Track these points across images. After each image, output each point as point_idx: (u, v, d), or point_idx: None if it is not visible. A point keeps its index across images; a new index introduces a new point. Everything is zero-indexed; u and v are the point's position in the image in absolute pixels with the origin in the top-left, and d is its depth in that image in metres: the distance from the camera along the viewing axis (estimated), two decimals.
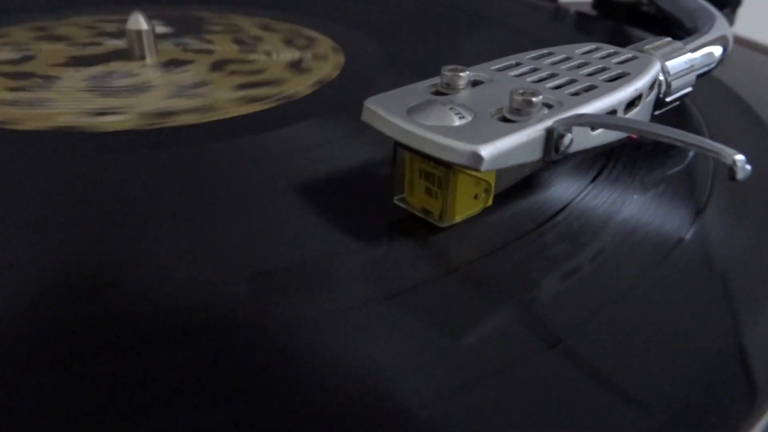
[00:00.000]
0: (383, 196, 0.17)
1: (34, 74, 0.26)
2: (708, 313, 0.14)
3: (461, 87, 0.17)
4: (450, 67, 0.17)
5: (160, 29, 0.31)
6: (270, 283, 0.14)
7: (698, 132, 0.22)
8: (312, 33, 0.32)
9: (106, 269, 0.14)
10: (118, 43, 0.29)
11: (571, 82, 0.18)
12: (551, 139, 0.15)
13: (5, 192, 0.17)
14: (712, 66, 0.22)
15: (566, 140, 0.16)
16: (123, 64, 0.27)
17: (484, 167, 0.14)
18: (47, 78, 0.25)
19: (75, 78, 0.25)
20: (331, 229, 0.16)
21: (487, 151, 0.14)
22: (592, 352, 0.13)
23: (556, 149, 0.16)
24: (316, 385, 0.12)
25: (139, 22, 0.27)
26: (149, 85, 0.25)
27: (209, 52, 0.29)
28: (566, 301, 0.14)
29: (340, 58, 0.28)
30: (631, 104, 0.18)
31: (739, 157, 0.13)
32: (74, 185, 0.18)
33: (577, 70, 0.18)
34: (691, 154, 0.21)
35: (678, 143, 0.14)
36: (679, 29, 0.29)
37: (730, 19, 0.38)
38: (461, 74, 0.17)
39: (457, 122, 0.15)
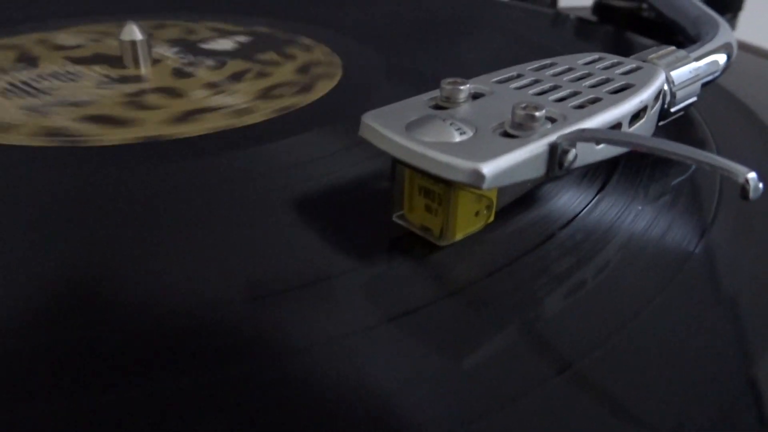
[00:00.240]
0: (381, 213, 0.16)
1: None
2: (720, 334, 0.13)
3: (461, 100, 0.16)
4: (450, 80, 0.16)
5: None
6: (262, 306, 0.14)
7: (704, 142, 0.22)
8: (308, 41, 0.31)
9: (92, 285, 0.14)
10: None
11: (575, 94, 0.17)
12: (555, 154, 0.15)
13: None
14: (717, 74, 0.22)
15: (570, 156, 0.15)
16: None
17: (486, 185, 0.14)
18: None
19: None
20: (327, 248, 0.16)
21: (489, 168, 0.14)
22: (601, 376, 0.12)
23: (560, 165, 0.15)
24: (309, 409, 0.11)
25: (133, 32, 0.27)
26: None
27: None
28: (572, 324, 0.13)
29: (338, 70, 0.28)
30: (636, 116, 0.17)
31: (752, 176, 0.12)
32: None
33: (580, 82, 0.18)
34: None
35: (687, 160, 0.13)
36: (680, 35, 0.29)
37: (732, 23, 0.38)
38: (461, 87, 0.16)
39: (458, 138, 0.15)
